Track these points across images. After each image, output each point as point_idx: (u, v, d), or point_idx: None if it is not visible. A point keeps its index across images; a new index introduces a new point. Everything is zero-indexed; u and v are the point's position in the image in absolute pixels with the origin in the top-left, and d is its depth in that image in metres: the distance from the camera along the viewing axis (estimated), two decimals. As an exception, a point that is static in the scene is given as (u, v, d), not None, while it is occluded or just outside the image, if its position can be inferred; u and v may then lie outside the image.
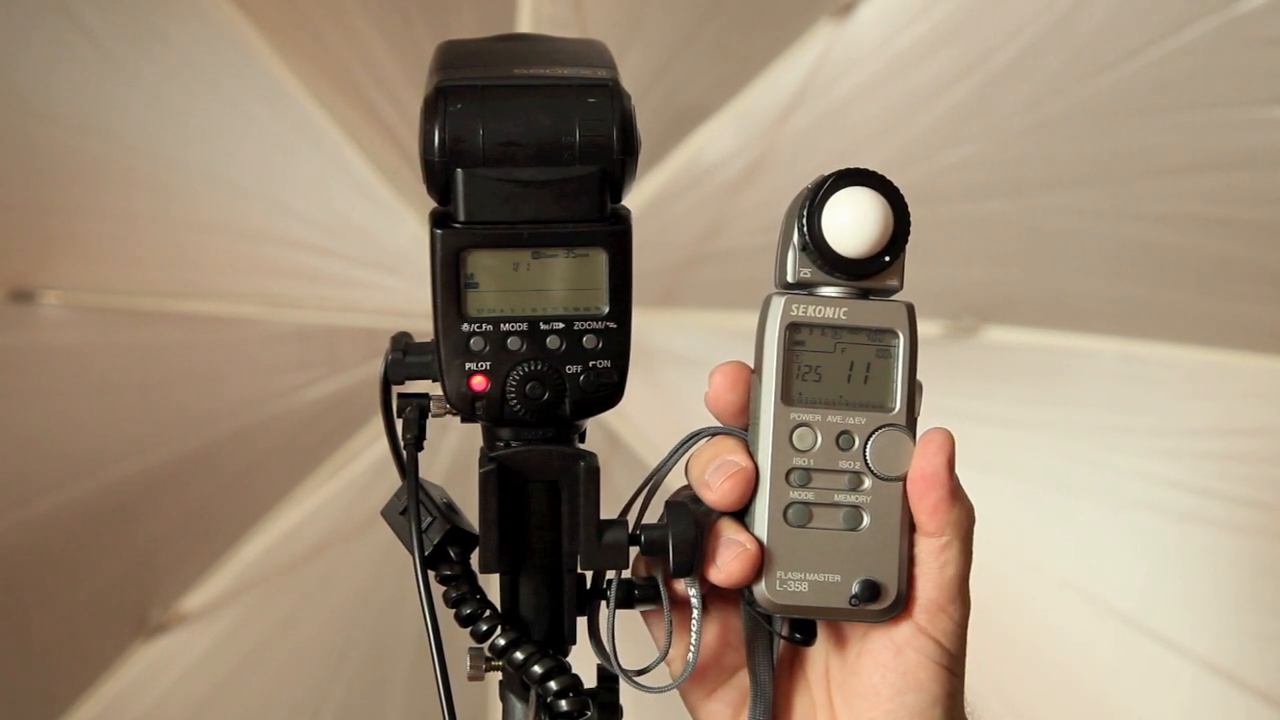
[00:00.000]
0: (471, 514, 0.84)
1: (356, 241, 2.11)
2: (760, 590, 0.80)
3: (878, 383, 0.81)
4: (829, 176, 0.80)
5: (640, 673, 0.83)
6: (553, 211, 0.79)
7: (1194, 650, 1.99)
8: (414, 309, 2.09)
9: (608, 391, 0.81)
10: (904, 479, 0.80)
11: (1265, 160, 1.99)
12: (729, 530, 0.80)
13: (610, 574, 0.83)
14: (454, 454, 2.02)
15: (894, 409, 0.81)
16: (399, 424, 0.85)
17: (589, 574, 0.84)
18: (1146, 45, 1.94)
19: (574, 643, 0.85)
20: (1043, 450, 2.08)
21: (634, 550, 0.82)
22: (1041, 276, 2.08)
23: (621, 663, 0.82)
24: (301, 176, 2.11)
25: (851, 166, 0.80)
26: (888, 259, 0.80)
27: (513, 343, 0.80)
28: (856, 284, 0.81)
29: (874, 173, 0.80)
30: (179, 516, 2.14)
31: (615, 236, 0.80)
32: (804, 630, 0.83)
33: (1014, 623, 2.01)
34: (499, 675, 0.85)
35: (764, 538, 0.80)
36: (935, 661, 0.79)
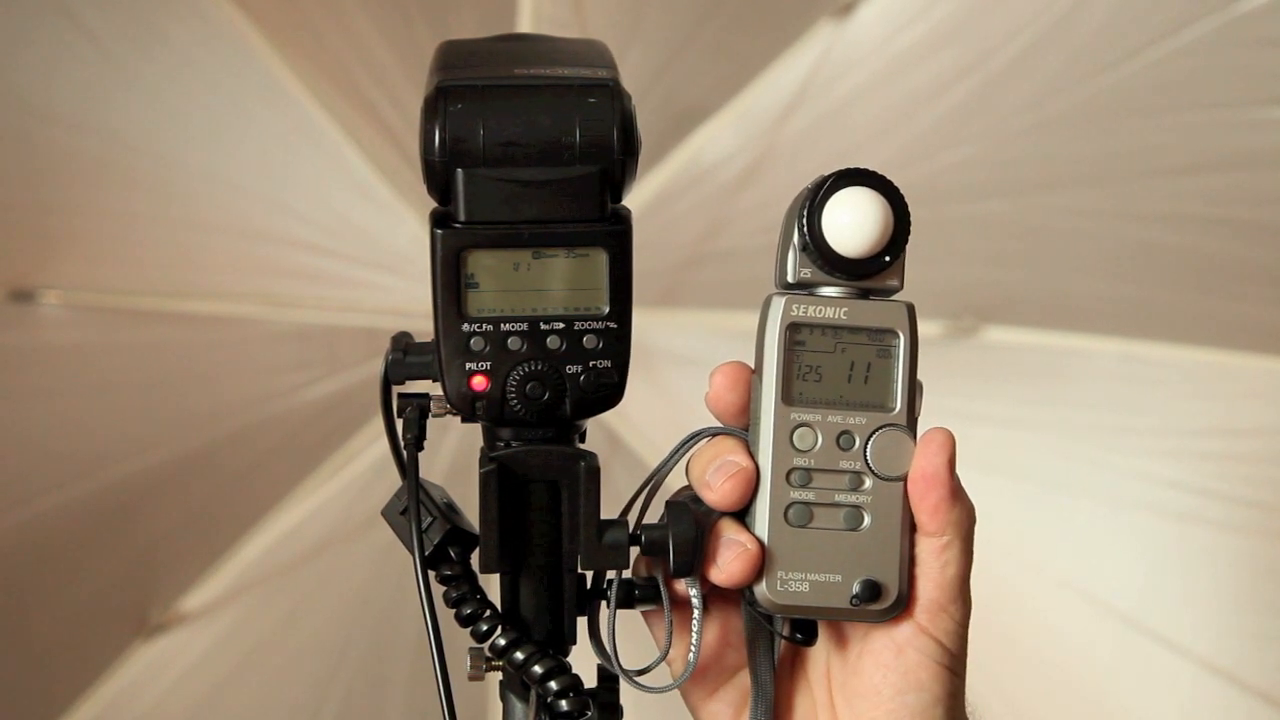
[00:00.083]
0: (472, 514, 0.84)
1: (356, 241, 2.11)
2: (761, 590, 0.80)
3: (878, 383, 0.81)
4: (829, 176, 0.80)
5: (641, 673, 0.83)
6: (553, 211, 0.79)
7: (1194, 650, 1.99)
8: (414, 309, 2.09)
9: (608, 391, 0.81)
10: (905, 479, 0.80)
11: (1265, 160, 1.99)
12: (730, 530, 0.80)
13: (611, 574, 0.83)
14: (454, 454, 2.02)
15: (894, 409, 0.81)
16: (399, 424, 0.85)
17: (589, 574, 0.84)
18: (1146, 45, 1.94)
19: (574, 643, 0.85)
20: (1043, 450, 2.08)
21: (634, 550, 0.82)
22: (1041, 276, 2.08)
23: (622, 663, 0.82)
24: (301, 176, 2.11)
25: (851, 166, 0.80)
26: (888, 259, 0.80)
27: (513, 343, 0.80)
28: (857, 284, 0.81)
29: (874, 173, 0.80)
30: (179, 516, 2.14)
31: (616, 236, 0.80)
32: (805, 630, 0.83)
33: (1014, 623, 2.01)
34: (499, 675, 0.85)
35: (765, 538, 0.80)
36: (936, 661, 0.79)
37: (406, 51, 2.05)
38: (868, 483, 0.81)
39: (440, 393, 0.82)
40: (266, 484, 2.14)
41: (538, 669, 0.82)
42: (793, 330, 0.80)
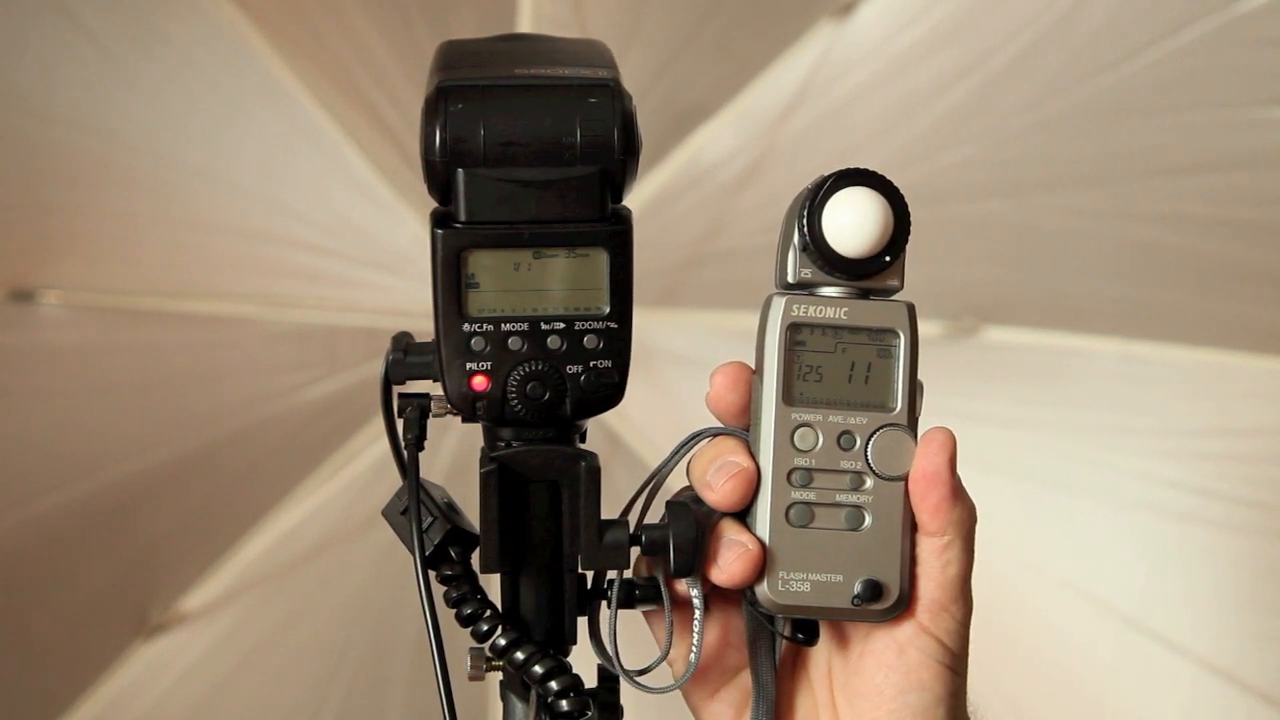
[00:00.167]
0: (472, 514, 0.84)
1: (356, 241, 2.11)
2: (762, 590, 0.80)
3: (879, 382, 0.81)
4: (829, 177, 0.80)
5: (642, 673, 0.83)
6: (554, 211, 0.79)
7: (1194, 650, 1.99)
8: (414, 309, 2.09)
9: (608, 391, 0.81)
10: (905, 478, 0.80)
11: (1265, 161, 1.99)
12: (731, 531, 0.80)
13: (611, 574, 0.83)
14: (454, 454, 2.02)
15: (895, 409, 0.81)
16: (400, 424, 0.85)
17: (590, 574, 0.84)
18: (1146, 45, 1.94)
19: (575, 643, 0.85)
20: (1043, 450, 2.08)
21: (635, 550, 0.82)
22: (1041, 276, 2.08)
23: (623, 663, 0.82)
24: (301, 176, 2.11)
25: (851, 166, 0.80)
26: (888, 259, 0.80)
27: (513, 343, 0.80)
28: (857, 284, 0.80)
29: (874, 173, 0.80)
30: (179, 516, 2.14)
31: (616, 236, 0.80)
32: (806, 630, 0.83)
33: (1014, 623, 2.01)
34: (499, 675, 0.85)
35: (766, 538, 0.80)
36: (938, 661, 0.79)
37: (406, 51, 2.05)
38: (869, 482, 0.81)
39: (441, 393, 0.82)
40: (266, 484, 2.14)
41: (538, 669, 0.82)
42: (793, 330, 0.80)
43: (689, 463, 0.82)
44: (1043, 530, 2.07)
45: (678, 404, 2.02)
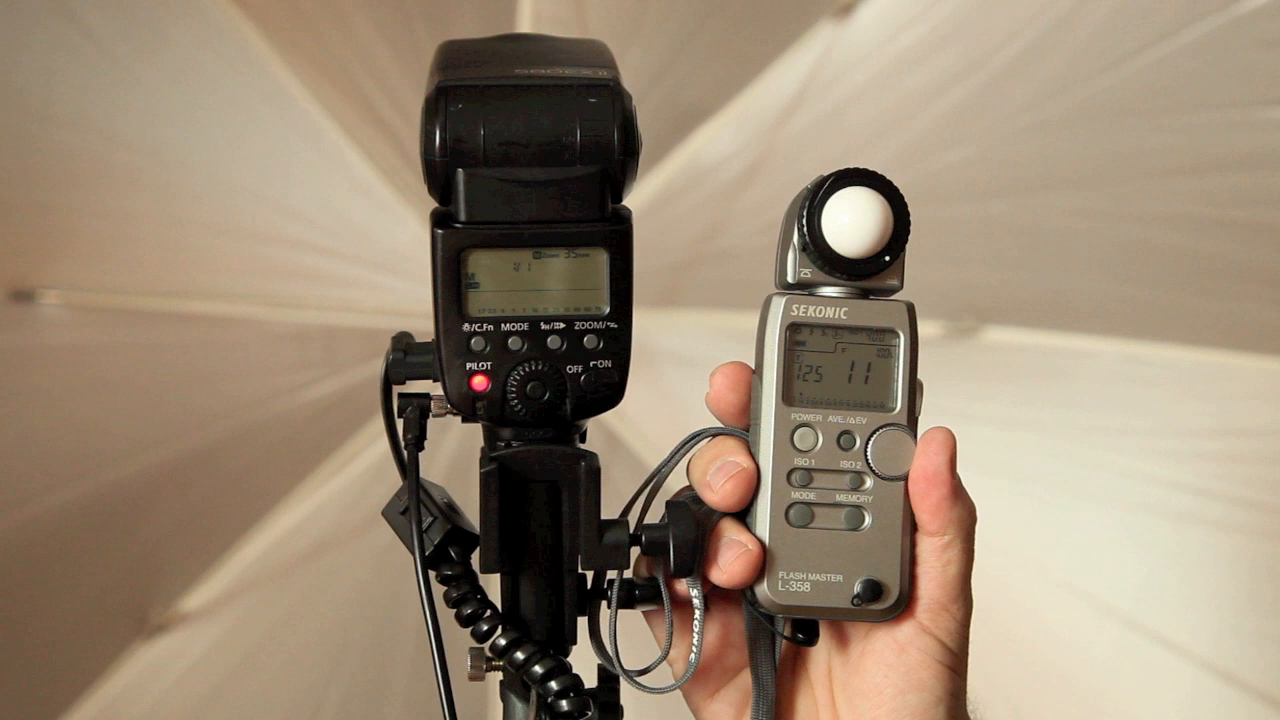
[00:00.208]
0: (472, 514, 0.84)
1: (356, 241, 2.11)
2: (762, 590, 0.80)
3: (878, 382, 0.81)
4: (829, 176, 0.80)
5: (642, 673, 0.83)
6: (554, 211, 0.79)
7: (1194, 650, 1.99)
8: (414, 309, 2.09)
9: (608, 391, 0.81)
10: (905, 478, 0.80)
11: (1265, 161, 1.99)
12: (731, 531, 0.80)
13: (611, 574, 0.83)
14: (454, 454, 2.02)
15: (895, 408, 0.81)
16: (400, 424, 0.85)
17: (590, 574, 0.84)
18: (1147, 46, 1.94)
19: (575, 643, 0.85)
20: (1043, 451, 2.08)
21: (635, 550, 0.82)
22: (1041, 277, 2.08)
23: (623, 663, 0.82)
24: (301, 176, 2.11)
25: (851, 166, 0.80)
26: (888, 259, 0.80)
27: (513, 343, 0.80)
28: (857, 284, 0.80)
29: (874, 173, 0.80)
30: (179, 516, 2.14)
31: (616, 236, 0.80)
32: (806, 630, 0.83)
33: (1014, 623, 2.01)
34: (499, 675, 0.85)
35: (766, 538, 0.80)
36: (938, 660, 0.79)
37: (406, 51, 2.05)
38: (868, 482, 0.81)
39: (441, 393, 0.82)
40: (266, 484, 2.14)
41: (538, 669, 0.82)
42: (793, 330, 0.80)
43: (689, 463, 0.82)
44: (1042, 531, 2.07)
45: (678, 404, 2.02)
